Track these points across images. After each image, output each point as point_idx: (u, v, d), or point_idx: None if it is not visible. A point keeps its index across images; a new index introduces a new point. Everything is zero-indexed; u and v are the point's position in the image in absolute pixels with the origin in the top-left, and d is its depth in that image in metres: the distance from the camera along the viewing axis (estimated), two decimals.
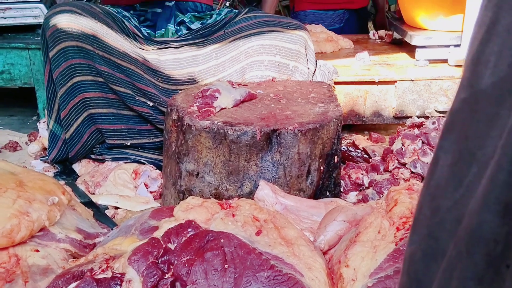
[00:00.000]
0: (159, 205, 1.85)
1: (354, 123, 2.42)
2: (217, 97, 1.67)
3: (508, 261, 0.42)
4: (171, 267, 1.09)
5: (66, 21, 1.91)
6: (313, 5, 3.26)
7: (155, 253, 1.11)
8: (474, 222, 0.42)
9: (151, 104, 2.02)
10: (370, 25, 4.58)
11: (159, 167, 2.00)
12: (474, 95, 0.47)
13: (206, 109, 1.62)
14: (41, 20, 2.59)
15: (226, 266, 1.07)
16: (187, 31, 2.24)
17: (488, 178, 0.42)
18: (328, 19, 3.24)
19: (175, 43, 2.15)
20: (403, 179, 1.65)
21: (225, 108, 1.69)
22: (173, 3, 2.25)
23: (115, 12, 2.13)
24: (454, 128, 0.48)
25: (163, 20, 2.24)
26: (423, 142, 1.75)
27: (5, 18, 2.56)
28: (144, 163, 2.03)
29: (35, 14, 2.57)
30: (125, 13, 2.18)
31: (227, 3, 2.64)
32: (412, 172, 1.68)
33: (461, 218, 0.45)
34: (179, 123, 1.64)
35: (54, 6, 1.99)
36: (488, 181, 0.42)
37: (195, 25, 2.26)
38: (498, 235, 0.42)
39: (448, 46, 2.39)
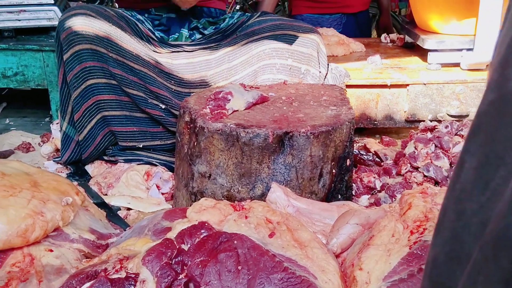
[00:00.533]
0: (171, 206, 1.86)
1: (365, 127, 2.41)
2: (230, 100, 1.68)
3: None
4: (184, 268, 1.10)
5: (81, 24, 1.92)
6: (309, 9, 3.26)
7: (169, 253, 1.11)
8: (501, 226, 0.42)
9: (163, 106, 2.03)
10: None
11: (171, 169, 2.01)
12: (502, 97, 0.46)
13: (218, 111, 1.63)
14: (55, 23, 2.61)
15: (239, 267, 1.07)
16: (200, 36, 2.26)
17: None
18: (324, 23, 3.23)
19: (188, 47, 2.17)
20: (416, 182, 1.64)
21: (237, 110, 1.69)
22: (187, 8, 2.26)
23: (129, 15, 2.14)
24: (481, 130, 0.48)
25: (177, 25, 2.26)
26: (436, 146, 1.74)
27: (19, 20, 2.59)
28: (156, 165, 2.04)
29: (49, 16, 2.60)
30: (139, 16, 2.20)
31: (237, 7, 2.65)
32: (425, 176, 1.67)
33: (487, 222, 0.45)
34: (191, 125, 1.65)
35: (68, 9, 2.01)
36: None
37: (208, 30, 2.27)
38: None
39: (461, 50, 2.38)
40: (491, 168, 0.46)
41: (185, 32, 2.25)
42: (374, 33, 4.60)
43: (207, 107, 1.67)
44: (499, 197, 0.44)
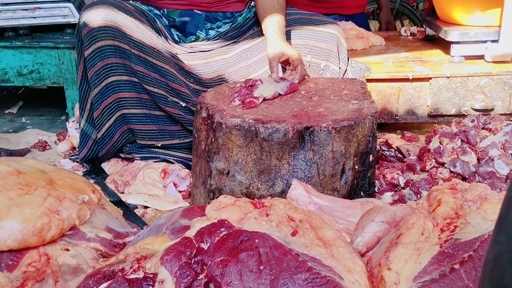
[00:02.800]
0: (188, 204, 1.82)
1: (386, 122, 2.35)
2: (258, 86, 1.65)
3: None
4: (204, 267, 1.05)
5: (103, 20, 1.87)
6: (306, 8, 3.18)
7: (188, 253, 1.07)
8: None
9: (183, 104, 1.99)
10: (376, 24, 4.49)
11: (188, 166, 1.98)
12: None
13: (250, 99, 1.60)
14: (70, 20, 2.60)
15: (261, 267, 1.03)
16: (217, 33, 2.19)
17: None
18: None
19: (204, 47, 2.12)
20: (442, 178, 1.58)
21: (266, 99, 1.67)
22: (203, 14, 2.20)
23: (147, 10, 2.10)
24: None
25: (192, 27, 2.18)
26: (462, 141, 1.68)
27: (34, 17, 2.58)
28: (173, 162, 2.00)
29: (64, 13, 2.58)
30: (156, 11, 2.15)
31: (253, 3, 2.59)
32: (451, 172, 1.61)
33: None
34: (209, 121, 1.61)
35: (89, 4, 1.96)
36: None
37: (224, 28, 2.21)
38: None
39: (485, 41, 2.30)
40: None
41: (201, 34, 2.17)
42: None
43: (235, 99, 1.64)
44: None
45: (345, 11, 3.18)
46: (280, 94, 1.73)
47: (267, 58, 1.90)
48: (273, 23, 1.94)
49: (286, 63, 1.90)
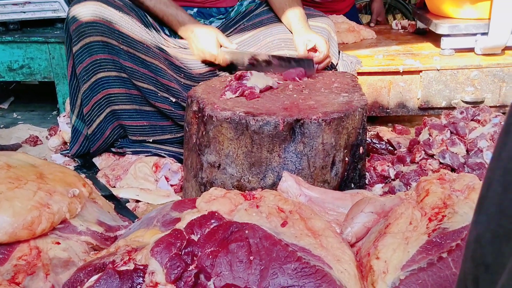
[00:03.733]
0: (180, 198, 1.82)
1: (377, 115, 2.36)
2: (249, 77, 1.68)
3: None
4: (194, 258, 1.06)
5: (91, 15, 1.86)
6: None
7: (178, 244, 1.08)
8: None
9: (173, 100, 1.99)
10: (367, 18, 4.50)
11: (179, 160, 1.98)
12: None
13: (250, 91, 1.64)
14: (60, 14, 2.58)
15: (251, 257, 1.03)
16: None
17: None
18: None
19: None
20: (432, 170, 1.59)
21: (263, 90, 1.71)
22: (195, 10, 2.20)
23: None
24: None
25: None
26: (451, 132, 1.69)
27: (24, 12, 2.56)
28: (164, 156, 2.00)
29: (54, 8, 2.56)
30: None
31: None
32: (440, 163, 1.62)
33: None
34: (199, 114, 1.61)
35: None
36: None
37: (217, 23, 2.20)
38: None
39: (475, 34, 2.31)
40: None
41: None
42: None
43: (226, 91, 1.66)
44: None
45: (337, 14, 3.17)
46: (271, 87, 1.74)
47: (295, 47, 1.97)
48: (295, 14, 2.01)
49: (313, 50, 1.95)
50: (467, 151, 1.64)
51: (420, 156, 1.66)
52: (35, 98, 3.04)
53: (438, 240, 1.06)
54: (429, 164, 1.61)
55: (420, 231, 1.08)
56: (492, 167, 0.47)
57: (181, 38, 2.14)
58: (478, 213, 0.48)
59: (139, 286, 1.04)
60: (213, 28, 2.04)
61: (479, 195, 0.48)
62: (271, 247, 1.05)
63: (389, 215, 1.18)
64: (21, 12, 2.56)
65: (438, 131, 1.68)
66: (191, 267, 1.05)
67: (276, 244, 1.06)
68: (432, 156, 1.65)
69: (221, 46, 2.00)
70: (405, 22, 2.95)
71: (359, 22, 3.28)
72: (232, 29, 2.16)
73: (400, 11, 4.55)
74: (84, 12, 1.86)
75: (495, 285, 0.43)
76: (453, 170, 1.61)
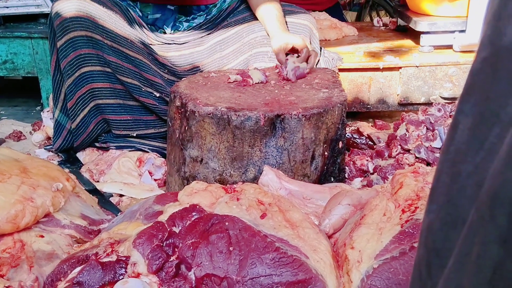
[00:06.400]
0: (164, 192, 1.85)
1: (358, 111, 2.41)
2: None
3: None
4: (176, 250, 1.09)
5: (75, 10, 1.87)
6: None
7: (160, 236, 1.11)
8: (497, 183, 0.41)
9: (157, 95, 2.01)
10: (352, 14, 4.56)
11: (163, 155, 2.00)
12: (495, 53, 0.45)
13: (245, 79, 1.74)
14: (43, 9, 2.58)
15: (231, 248, 1.07)
16: (193, 24, 2.20)
17: None
18: None
19: (179, 40, 2.13)
20: (408, 164, 1.64)
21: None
22: (174, 6, 2.21)
23: (120, 0, 2.11)
24: (474, 89, 0.47)
25: (161, 22, 2.19)
26: (427, 128, 1.74)
27: (7, 7, 2.55)
28: (147, 151, 2.02)
29: (37, 3, 2.56)
30: (130, 1, 2.15)
31: None
32: (416, 158, 1.67)
33: (482, 183, 0.44)
34: (182, 110, 1.64)
35: None
36: None
37: (199, 20, 2.22)
38: None
39: (453, 31, 2.37)
40: (486, 127, 0.45)
41: (168, 29, 2.18)
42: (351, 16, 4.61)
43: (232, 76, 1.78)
44: (494, 156, 0.43)
45: (319, 7, 3.21)
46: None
47: (273, 52, 1.95)
48: (270, 16, 1.97)
49: (293, 52, 1.94)
50: None
51: (396, 151, 1.71)
52: (18, 93, 3.04)
53: (410, 230, 1.10)
54: (406, 159, 1.65)
55: (393, 222, 1.12)
56: (441, 160, 0.50)
57: (164, 33, 2.16)
58: (429, 203, 0.51)
59: (122, 276, 1.07)
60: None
61: (431, 186, 0.52)
62: (250, 238, 1.08)
63: (365, 206, 1.22)
64: (4, 7, 2.55)
65: (415, 126, 1.72)
66: (172, 258, 1.08)
67: (255, 235, 1.09)
68: (408, 150, 1.69)
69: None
70: (387, 20, 3.00)
71: (343, 18, 3.32)
72: (216, 26, 2.18)
73: (384, 8, 4.60)
74: (68, 7, 1.87)
75: (444, 269, 0.47)
76: (428, 164, 1.65)
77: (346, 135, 1.94)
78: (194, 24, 2.21)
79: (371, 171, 1.78)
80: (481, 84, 0.46)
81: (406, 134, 1.70)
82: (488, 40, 0.46)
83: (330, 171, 1.67)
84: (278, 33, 1.95)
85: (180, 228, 1.15)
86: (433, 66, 2.29)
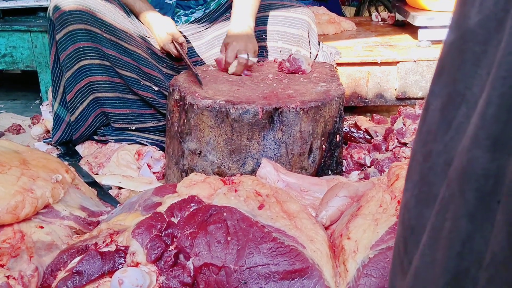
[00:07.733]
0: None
1: (356, 105, 2.42)
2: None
3: (499, 196, 0.42)
4: (174, 240, 1.11)
5: (74, 4, 1.88)
6: None
7: (159, 226, 1.12)
8: (464, 160, 0.43)
9: (156, 88, 2.02)
10: (350, 10, 4.55)
11: (162, 148, 2.01)
12: (462, 35, 0.47)
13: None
14: (42, 3, 2.58)
15: (229, 238, 1.08)
16: (191, 19, 2.21)
17: (477, 115, 0.43)
18: None
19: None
20: (405, 157, 1.65)
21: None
22: (173, 1, 2.22)
23: None
24: (444, 72, 0.49)
25: None
26: None
27: (6, 1, 2.56)
28: (146, 145, 2.03)
29: None
30: None
31: None
32: None
33: (451, 161, 0.46)
34: (181, 103, 1.65)
35: None
36: (478, 118, 0.43)
37: (198, 14, 2.22)
38: (488, 170, 0.42)
39: None
40: (454, 107, 0.47)
41: None
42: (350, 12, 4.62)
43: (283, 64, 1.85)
44: (462, 135, 0.45)
45: (318, 2, 3.21)
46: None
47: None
48: (239, 3, 1.91)
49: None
50: None
51: (393, 144, 1.72)
52: (17, 87, 3.04)
53: None
54: (402, 152, 1.67)
55: (389, 213, 1.14)
56: (415, 140, 0.53)
57: None
58: (406, 181, 0.53)
59: (121, 266, 1.08)
60: (165, 20, 2.03)
61: (408, 166, 0.54)
62: (248, 228, 1.10)
63: (361, 198, 1.23)
64: (3, 0, 2.55)
65: (412, 120, 1.74)
66: (171, 248, 1.09)
67: (253, 225, 1.11)
68: (405, 144, 1.71)
69: (172, 38, 2.00)
70: (385, 14, 3.00)
71: (341, 13, 3.32)
72: (215, 20, 2.19)
73: (383, 3, 4.61)
74: (67, 0, 1.88)
75: (419, 245, 0.49)
76: None
77: (344, 129, 1.95)
78: (192, 19, 2.22)
79: (368, 165, 1.80)
80: (449, 66, 0.48)
81: (403, 128, 1.71)
82: (455, 24, 0.48)
83: (328, 164, 1.68)
84: (233, 26, 1.88)
85: (178, 218, 1.17)
86: (431, 61, 2.30)
